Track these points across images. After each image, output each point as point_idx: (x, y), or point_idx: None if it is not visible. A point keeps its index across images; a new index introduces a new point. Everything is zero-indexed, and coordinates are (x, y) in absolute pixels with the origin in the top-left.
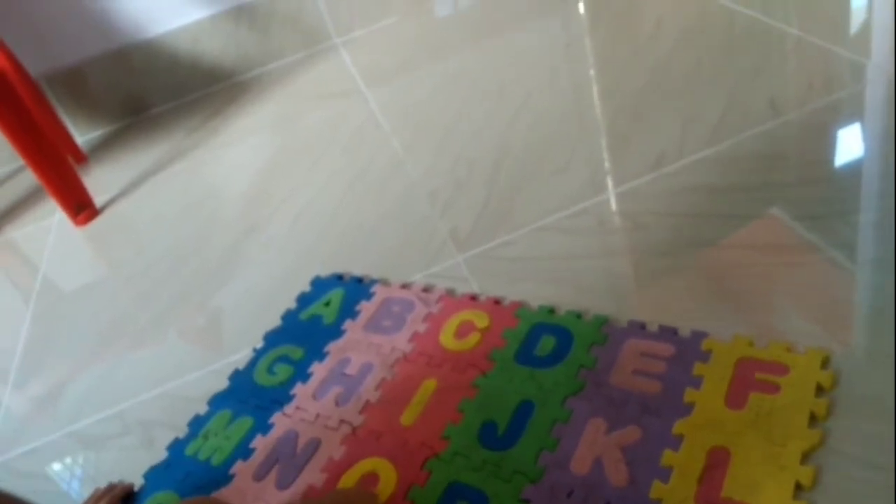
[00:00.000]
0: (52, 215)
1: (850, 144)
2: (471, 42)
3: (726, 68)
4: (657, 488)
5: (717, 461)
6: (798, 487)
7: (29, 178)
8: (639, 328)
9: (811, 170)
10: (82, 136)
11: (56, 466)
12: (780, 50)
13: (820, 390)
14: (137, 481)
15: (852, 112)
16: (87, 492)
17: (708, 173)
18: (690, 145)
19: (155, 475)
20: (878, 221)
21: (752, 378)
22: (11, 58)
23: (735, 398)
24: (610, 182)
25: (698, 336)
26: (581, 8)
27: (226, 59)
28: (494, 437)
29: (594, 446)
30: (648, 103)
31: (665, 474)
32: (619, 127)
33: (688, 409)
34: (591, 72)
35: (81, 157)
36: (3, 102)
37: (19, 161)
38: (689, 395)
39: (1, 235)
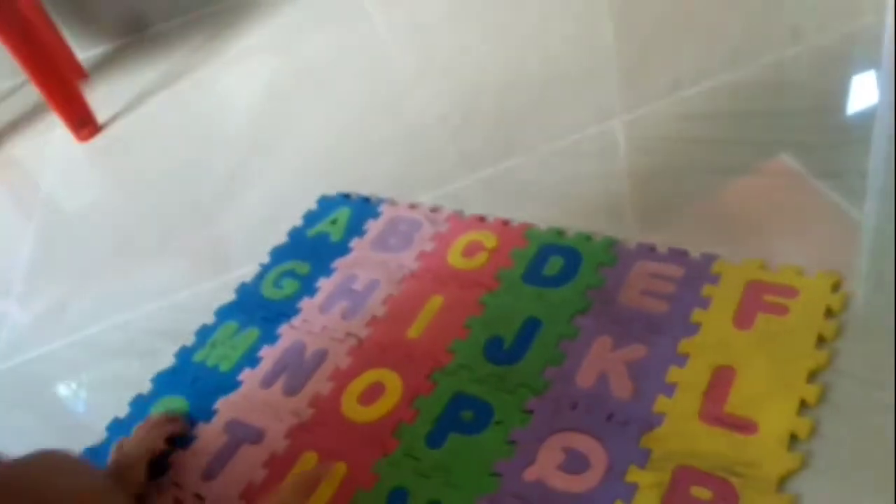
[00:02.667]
0: (53, 131)
1: (869, 76)
2: None
3: None
4: (661, 402)
5: (722, 379)
6: (803, 405)
7: (29, 94)
8: (648, 250)
9: (827, 99)
10: (83, 52)
11: (62, 373)
12: None
13: (829, 313)
14: (145, 386)
15: (875, 43)
16: (94, 398)
17: (723, 100)
18: (706, 71)
19: (163, 379)
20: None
21: (760, 300)
22: None
23: (743, 319)
24: (624, 107)
25: (708, 259)
26: None
27: None
28: (500, 352)
29: (600, 362)
30: (666, 28)
31: (669, 390)
32: (634, 52)
33: (694, 328)
34: None
35: (82, 74)
36: (4, 15)
37: (20, 76)
38: (697, 315)
39: (1, 151)
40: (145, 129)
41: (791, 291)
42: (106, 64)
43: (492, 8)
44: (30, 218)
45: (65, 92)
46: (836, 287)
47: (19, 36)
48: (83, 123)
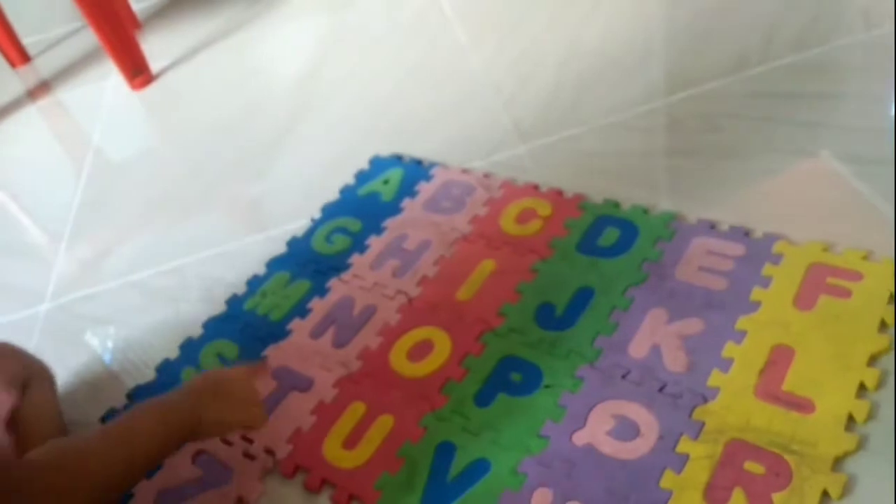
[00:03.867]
0: (107, 78)
1: None
2: None
3: None
4: (716, 377)
5: (780, 357)
6: (861, 388)
7: (85, 40)
8: (708, 227)
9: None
10: (137, 3)
11: (111, 313)
12: None
13: (892, 299)
14: (195, 331)
15: None
16: (143, 338)
17: (790, 80)
18: (774, 50)
19: (214, 325)
20: None
21: (823, 282)
22: None
23: (804, 300)
24: (686, 82)
25: (771, 238)
26: None
27: None
28: (551, 318)
29: (654, 334)
30: (733, 4)
31: (725, 365)
32: (700, 27)
33: (754, 306)
34: None
35: (136, 24)
36: None
37: (78, 21)
38: (757, 293)
39: (54, 95)
40: (198, 82)
41: (855, 275)
42: (159, 14)
43: None
44: (81, 163)
45: (121, 39)
46: None
47: None
48: (138, 72)
